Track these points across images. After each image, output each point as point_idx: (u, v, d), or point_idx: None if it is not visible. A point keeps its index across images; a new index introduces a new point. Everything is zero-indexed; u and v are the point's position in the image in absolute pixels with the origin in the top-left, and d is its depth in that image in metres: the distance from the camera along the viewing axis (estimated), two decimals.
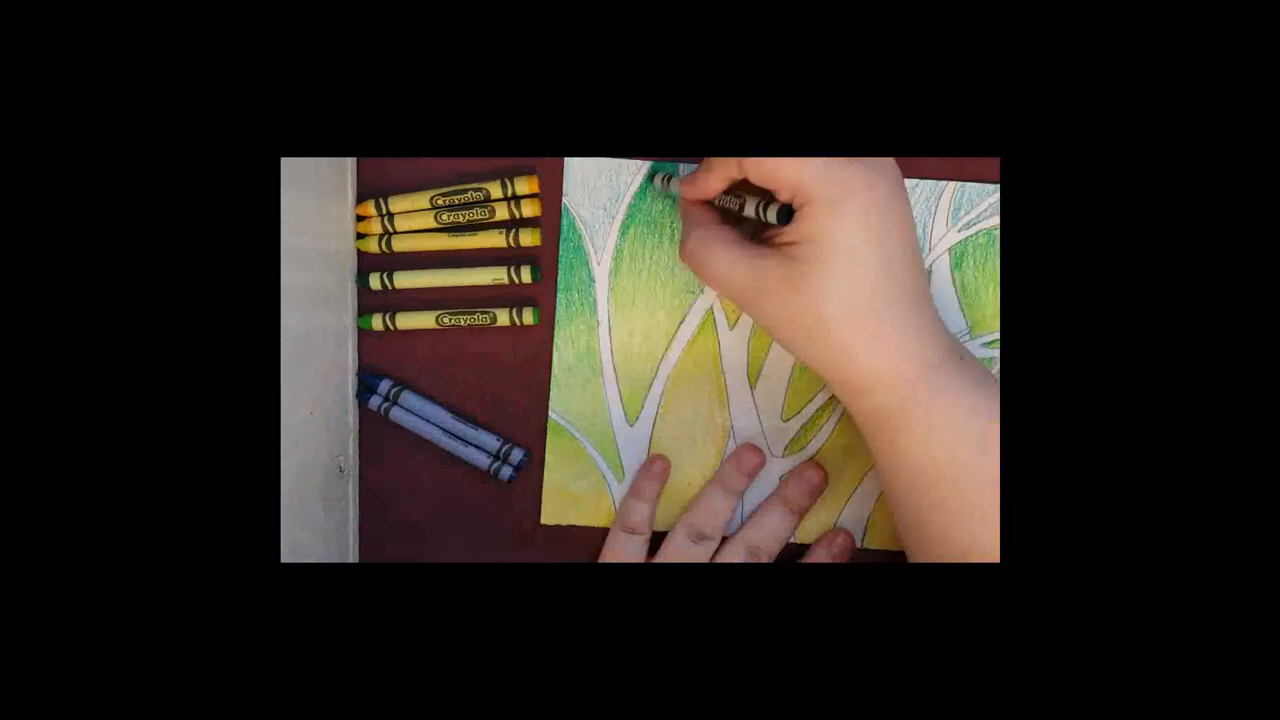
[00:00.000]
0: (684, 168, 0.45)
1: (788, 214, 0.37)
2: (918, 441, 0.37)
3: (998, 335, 0.45)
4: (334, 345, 0.45)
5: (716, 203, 0.41)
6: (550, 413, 0.46)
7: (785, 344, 0.38)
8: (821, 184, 0.35)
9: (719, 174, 0.39)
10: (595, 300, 0.46)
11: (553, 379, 0.46)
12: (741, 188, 0.39)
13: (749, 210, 0.39)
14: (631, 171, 0.45)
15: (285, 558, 0.40)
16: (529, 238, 0.45)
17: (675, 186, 0.43)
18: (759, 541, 0.45)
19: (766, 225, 0.38)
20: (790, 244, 0.36)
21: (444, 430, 0.46)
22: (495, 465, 0.46)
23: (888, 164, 0.37)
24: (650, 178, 0.45)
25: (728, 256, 0.38)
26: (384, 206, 0.45)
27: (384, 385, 0.46)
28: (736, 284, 0.38)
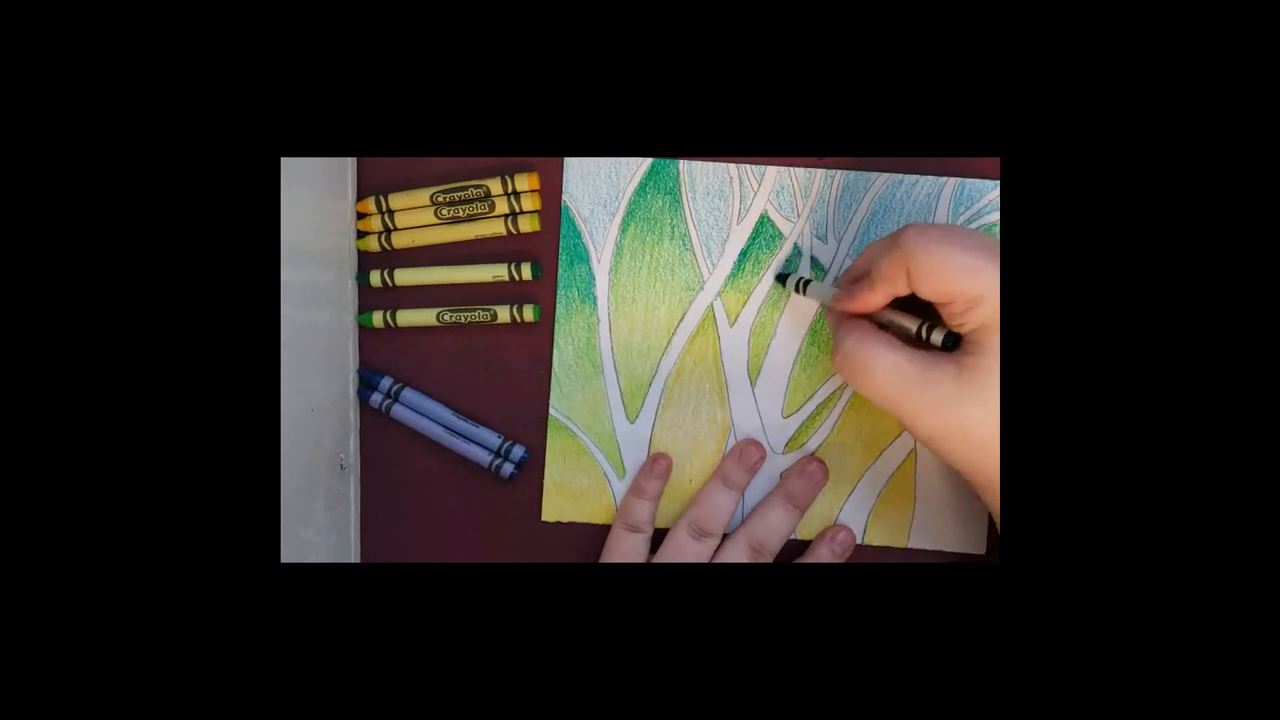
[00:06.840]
0: (821, 276, 0.44)
1: (955, 340, 0.37)
2: None
3: None
4: (335, 343, 0.45)
5: (874, 316, 0.40)
6: (551, 410, 0.46)
7: (939, 451, 0.37)
8: (998, 296, 0.34)
9: (882, 291, 0.37)
10: (595, 297, 0.46)
11: (553, 376, 0.46)
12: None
13: (907, 326, 0.38)
14: (631, 169, 0.45)
15: (287, 555, 0.40)
16: (529, 234, 0.45)
17: (815, 293, 0.42)
18: (761, 537, 0.45)
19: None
20: (961, 353, 0.36)
21: (445, 427, 0.46)
22: (496, 462, 0.46)
23: None
24: (780, 279, 0.45)
25: (890, 363, 0.37)
26: (384, 204, 0.45)
27: (385, 383, 0.46)
28: (899, 392, 0.37)
